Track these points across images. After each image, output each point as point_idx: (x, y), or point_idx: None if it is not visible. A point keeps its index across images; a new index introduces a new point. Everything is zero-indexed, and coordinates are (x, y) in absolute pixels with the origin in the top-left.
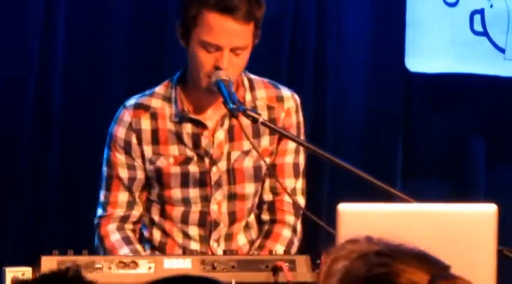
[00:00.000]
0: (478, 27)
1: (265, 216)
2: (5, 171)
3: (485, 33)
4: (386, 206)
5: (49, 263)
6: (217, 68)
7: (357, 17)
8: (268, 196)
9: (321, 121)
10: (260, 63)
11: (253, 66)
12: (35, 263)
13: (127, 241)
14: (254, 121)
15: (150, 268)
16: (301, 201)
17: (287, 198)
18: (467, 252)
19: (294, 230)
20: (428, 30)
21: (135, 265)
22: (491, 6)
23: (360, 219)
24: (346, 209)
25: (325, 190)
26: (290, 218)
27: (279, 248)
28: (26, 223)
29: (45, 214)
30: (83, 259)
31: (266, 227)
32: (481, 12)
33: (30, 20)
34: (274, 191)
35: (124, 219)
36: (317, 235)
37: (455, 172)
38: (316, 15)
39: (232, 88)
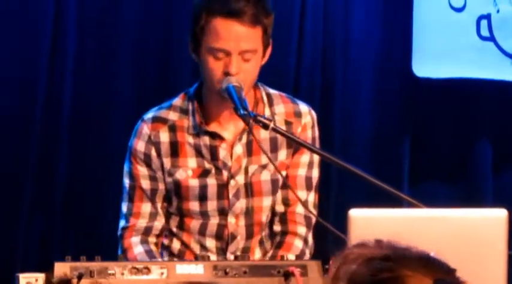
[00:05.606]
0: (484, 32)
1: (277, 227)
2: (13, 173)
3: (492, 38)
4: (396, 211)
5: (62, 269)
6: (226, 74)
7: (363, 23)
8: (280, 207)
9: (329, 126)
10: (266, 70)
11: (260, 78)
12: (47, 269)
13: (150, 254)
14: (265, 127)
15: (162, 273)
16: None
17: (299, 209)
18: (477, 257)
19: (306, 242)
20: (435, 36)
21: (148, 270)
22: (498, 11)
23: (371, 225)
24: (357, 214)
25: (333, 194)
26: (302, 230)
27: (291, 257)
28: (36, 228)
29: (54, 219)
30: (95, 265)
31: (278, 238)
32: (488, 17)
33: (40, 21)
34: (286, 202)
35: (147, 231)
36: (326, 240)
37: (462, 177)
38: (323, 22)
39: (243, 94)
